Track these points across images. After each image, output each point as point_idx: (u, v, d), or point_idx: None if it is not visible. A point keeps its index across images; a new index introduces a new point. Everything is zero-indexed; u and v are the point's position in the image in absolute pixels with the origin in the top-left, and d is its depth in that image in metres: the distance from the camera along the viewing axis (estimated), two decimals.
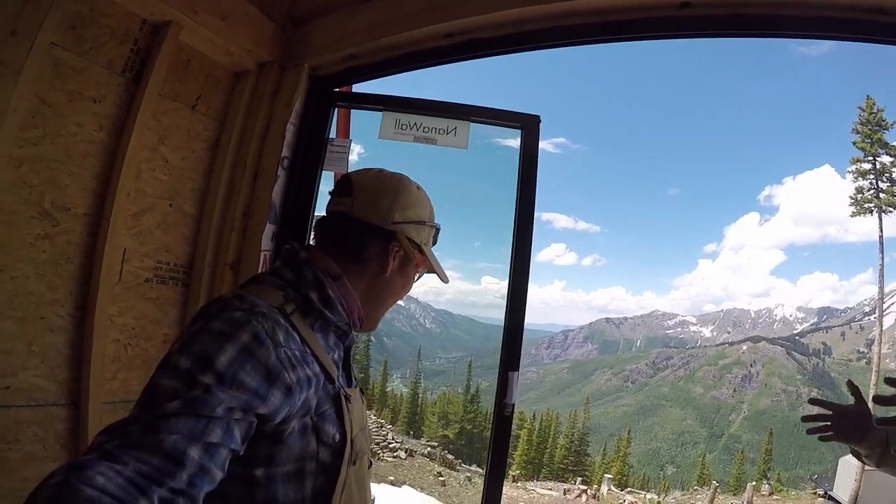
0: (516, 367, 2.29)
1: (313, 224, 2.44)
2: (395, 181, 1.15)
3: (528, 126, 2.44)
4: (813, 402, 1.44)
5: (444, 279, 1.31)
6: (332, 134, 2.73)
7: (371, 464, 1.21)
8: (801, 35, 1.83)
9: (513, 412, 2.29)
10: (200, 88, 2.40)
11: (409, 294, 1.25)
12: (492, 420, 2.34)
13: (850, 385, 1.43)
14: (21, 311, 1.87)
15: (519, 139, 2.47)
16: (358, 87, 2.72)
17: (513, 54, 2.29)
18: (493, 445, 2.34)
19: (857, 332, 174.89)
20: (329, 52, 2.45)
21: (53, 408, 1.96)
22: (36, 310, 1.91)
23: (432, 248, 1.25)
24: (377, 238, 1.10)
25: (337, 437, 0.98)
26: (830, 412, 1.38)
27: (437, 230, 1.24)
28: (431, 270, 1.27)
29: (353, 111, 2.71)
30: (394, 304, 1.22)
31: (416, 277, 1.22)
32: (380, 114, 2.57)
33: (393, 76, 2.56)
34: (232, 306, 0.89)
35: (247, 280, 1.07)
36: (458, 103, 2.51)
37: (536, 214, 2.46)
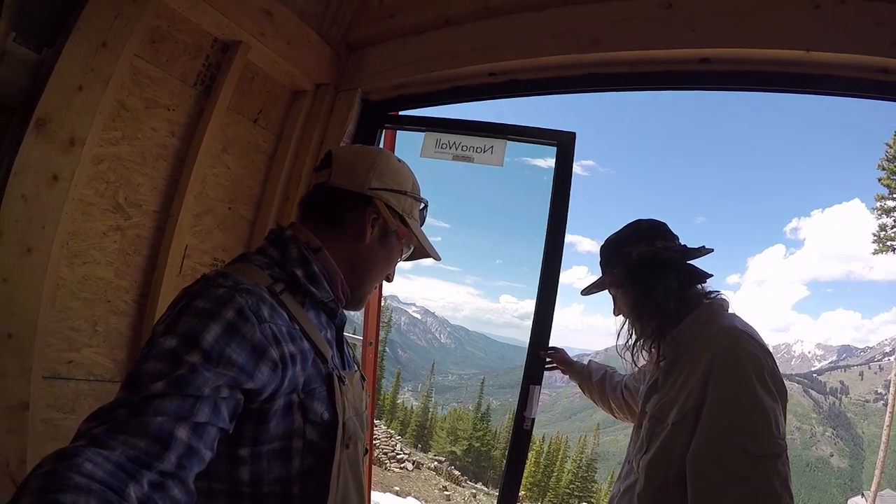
0: (539, 382, 2.24)
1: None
2: (374, 152, 1.14)
3: (564, 143, 2.40)
4: (543, 354, 2.22)
5: (436, 256, 1.26)
6: None
7: (366, 451, 1.18)
8: (809, 91, 1.91)
9: (532, 426, 2.23)
10: (262, 104, 2.55)
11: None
12: (510, 433, 2.33)
13: (544, 354, 2.23)
14: (90, 294, 2.00)
15: (544, 159, 2.64)
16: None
17: (549, 96, 2.37)
18: (509, 458, 2.30)
19: (875, 373, 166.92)
20: (381, 79, 2.58)
21: (109, 384, 2.07)
22: (103, 293, 2.04)
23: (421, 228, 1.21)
24: (354, 204, 1.08)
25: (326, 415, 0.96)
26: (555, 355, 2.20)
27: (425, 206, 1.20)
28: (423, 254, 1.25)
29: (398, 131, 2.81)
30: (379, 280, 1.18)
31: (402, 252, 1.18)
32: (421, 134, 2.66)
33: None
34: (215, 283, 0.87)
35: (233, 259, 1.05)
36: (496, 123, 2.54)
37: None
